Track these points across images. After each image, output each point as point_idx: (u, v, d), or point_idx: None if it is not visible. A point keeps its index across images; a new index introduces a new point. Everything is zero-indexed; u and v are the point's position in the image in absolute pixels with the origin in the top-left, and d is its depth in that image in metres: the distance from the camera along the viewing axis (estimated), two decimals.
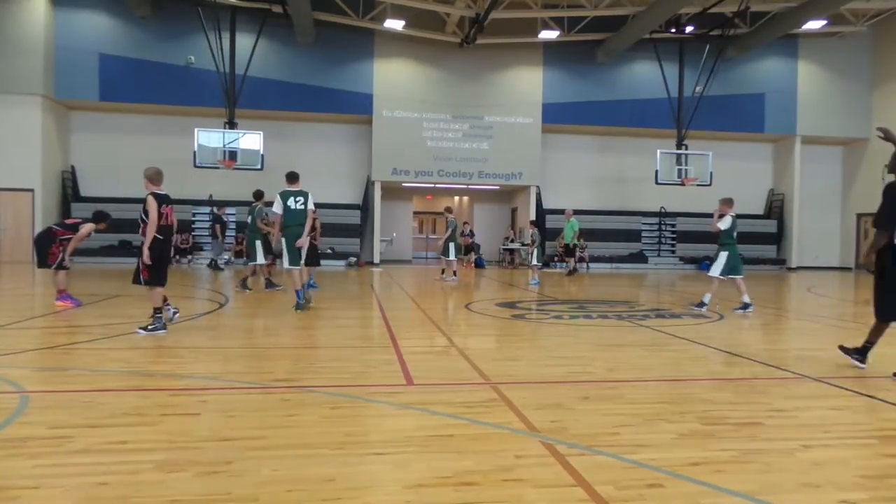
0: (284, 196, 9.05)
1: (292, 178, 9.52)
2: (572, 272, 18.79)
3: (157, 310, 6.76)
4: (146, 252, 6.57)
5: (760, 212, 25.98)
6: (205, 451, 3.17)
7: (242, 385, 4.61)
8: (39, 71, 19.69)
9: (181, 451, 3.17)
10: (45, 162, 20.03)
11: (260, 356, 5.91)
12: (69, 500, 2.58)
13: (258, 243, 11.60)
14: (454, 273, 15.78)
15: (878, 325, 5.48)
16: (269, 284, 11.86)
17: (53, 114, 20.61)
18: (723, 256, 9.75)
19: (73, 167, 21.72)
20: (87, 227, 9.02)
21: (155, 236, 6.60)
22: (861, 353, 5.61)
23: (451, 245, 15.45)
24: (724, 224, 9.72)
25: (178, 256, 20.92)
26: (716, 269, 9.78)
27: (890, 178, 5.20)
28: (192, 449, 3.20)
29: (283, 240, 8.98)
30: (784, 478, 2.98)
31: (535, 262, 15.76)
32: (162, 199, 6.75)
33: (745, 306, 9.60)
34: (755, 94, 24.32)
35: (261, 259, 11.68)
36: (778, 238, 25.33)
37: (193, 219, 22.15)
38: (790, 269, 24.67)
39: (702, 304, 9.86)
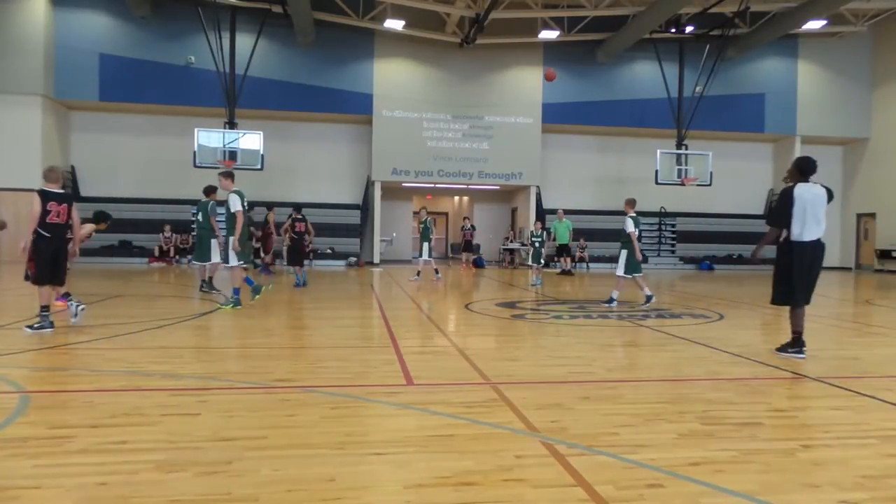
0: (242, 195, 9.12)
1: (231, 175, 9.43)
2: (565, 272, 18.70)
3: (44, 308, 6.65)
4: (28, 248, 6.56)
5: (760, 212, 25.96)
6: (205, 451, 3.17)
7: (242, 385, 4.61)
8: (39, 71, 19.69)
9: (181, 451, 3.17)
10: (45, 161, 19.95)
11: (260, 356, 5.91)
12: (69, 500, 2.58)
13: (214, 242, 11.03)
14: (417, 273, 15.62)
15: (792, 312, 6.12)
16: (208, 286, 11.15)
17: (53, 114, 20.61)
18: (624, 255, 10.18)
19: (72, 167, 21.71)
20: (88, 228, 9.01)
21: (40, 233, 6.54)
22: (795, 345, 6.04)
23: (425, 245, 15.30)
24: (629, 226, 10.13)
25: (177, 256, 20.93)
26: (620, 269, 10.20)
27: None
28: (192, 449, 3.20)
29: (231, 239, 9.02)
30: (784, 478, 2.98)
31: (542, 262, 15.46)
32: (51, 197, 6.63)
33: (648, 298, 10.14)
34: (755, 94, 24.33)
35: (216, 258, 11.00)
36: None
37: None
38: None
39: (611, 300, 10.21)
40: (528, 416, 3.87)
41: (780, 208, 5.93)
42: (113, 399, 4.18)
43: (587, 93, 23.62)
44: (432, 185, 24.39)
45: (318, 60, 21.93)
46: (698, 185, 21.61)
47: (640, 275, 10.25)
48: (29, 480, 2.77)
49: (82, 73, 20.43)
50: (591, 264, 22.71)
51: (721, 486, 2.84)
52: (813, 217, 5.86)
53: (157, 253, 20.38)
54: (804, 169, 5.96)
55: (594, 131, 24.44)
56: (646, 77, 23.54)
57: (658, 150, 21.76)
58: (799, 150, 24.84)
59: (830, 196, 6.00)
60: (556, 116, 23.46)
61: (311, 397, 4.27)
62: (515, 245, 23.89)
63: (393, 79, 22.64)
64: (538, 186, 23.85)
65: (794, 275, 5.91)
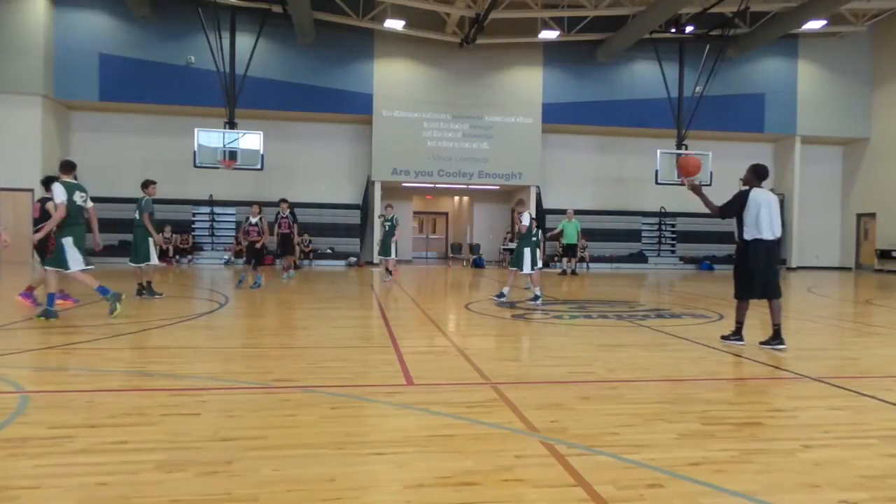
0: (68, 188, 7.66)
1: (69, 167, 8.08)
2: (565, 272, 18.56)
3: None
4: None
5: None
6: (205, 451, 3.17)
7: (242, 385, 4.61)
8: (39, 71, 19.68)
9: (181, 451, 3.17)
10: (45, 162, 20.00)
11: (260, 356, 5.91)
12: (69, 500, 2.58)
13: (151, 241, 10.15)
14: (389, 272, 15.26)
15: (738, 304, 6.70)
16: (149, 290, 10.29)
17: (53, 113, 20.61)
18: (527, 253, 10.45)
19: None
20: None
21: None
22: (737, 334, 6.71)
23: (393, 244, 15.09)
24: (525, 220, 10.45)
25: (177, 256, 20.93)
26: (527, 267, 10.42)
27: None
28: (192, 449, 3.20)
29: (66, 239, 7.62)
30: (784, 478, 2.98)
31: (539, 265, 13.97)
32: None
33: (537, 297, 10.30)
34: (755, 94, 24.32)
35: (154, 259, 10.25)
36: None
37: (193, 219, 22.15)
38: (790, 268, 24.67)
39: (536, 298, 10.33)
40: (528, 416, 3.87)
41: (734, 204, 6.53)
42: (113, 399, 4.18)
43: (587, 93, 23.62)
44: (432, 185, 24.39)
45: (318, 60, 21.93)
46: (701, 184, 21.56)
47: (539, 269, 10.62)
48: (29, 480, 2.77)
49: (82, 72, 20.42)
50: (591, 264, 22.70)
51: (721, 486, 2.84)
52: (768, 219, 6.35)
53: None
54: (761, 174, 6.53)
55: (594, 131, 24.44)
56: (646, 77, 23.53)
57: (658, 150, 21.75)
58: (799, 151, 24.86)
59: (780, 204, 6.58)
60: (557, 116, 23.45)
61: (311, 397, 4.27)
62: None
63: (393, 79, 22.64)
64: (538, 186, 23.85)
65: (753, 272, 6.40)
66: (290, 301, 10.85)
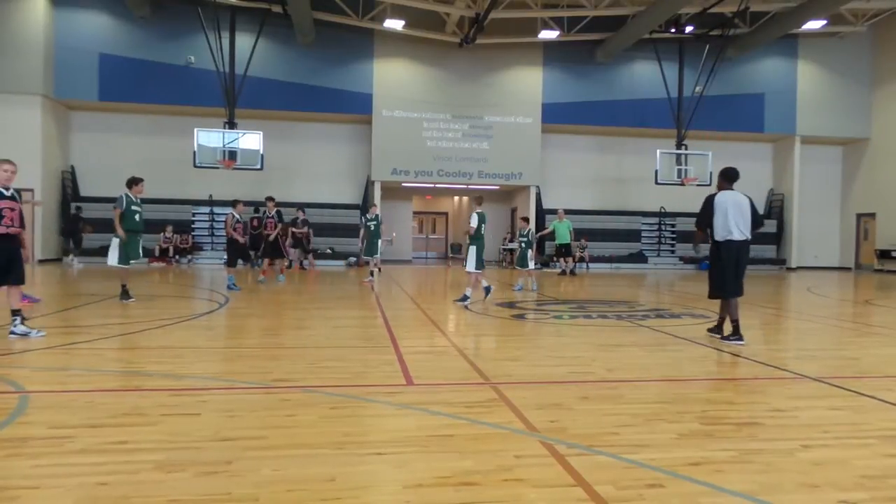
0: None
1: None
2: (564, 273, 18.55)
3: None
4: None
5: (760, 212, 25.96)
6: (205, 451, 3.17)
7: (242, 385, 4.61)
8: (39, 71, 19.69)
9: (181, 451, 3.17)
10: (45, 161, 20.02)
11: (260, 356, 5.91)
12: (69, 499, 2.59)
13: (117, 242, 9.61)
14: (371, 273, 14.93)
15: (726, 303, 6.92)
16: (124, 294, 9.66)
17: (53, 113, 20.61)
18: (473, 251, 10.35)
19: (72, 167, 21.71)
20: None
21: None
22: (718, 329, 7.05)
23: (379, 242, 14.79)
24: (473, 222, 10.30)
25: (177, 256, 20.93)
26: (471, 265, 10.37)
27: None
28: (192, 449, 3.20)
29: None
30: (784, 478, 2.99)
31: (531, 265, 13.74)
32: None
33: (465, 298, 10.12)
34: (755, 94, 24.34)
35: (112, 261, 9.65)
36: (777, 238, 25.35)
37: (193, 219, 22.15)
38: (790, 268, 24.68)
39: (465, 298, 10.13)
40: (527, 415, 3.87)
41: (702, 213, 6.83)
42: (113, 399, 4.18)
43: (587, 93, 23.63)
44: (432, 185, 24.39)
45: (318, 60, 21.93)
46: (698, 185, 21.60)
47: (481, 270, 10.50)
48: (29, 480, 2.77)
49: (82, 72, 20.43)
50: (591, 264, 22.70)
51: (721, 486, 2.84)
52: (735, 220, 6.60)
53: (157, 253, 20.38)
54: (729, 176, 6.88)
55: (594, 131, 24.45)
56: (645, 77, 23.54)
57: (658, 150, 21.76)
58: (799, 150, 24.86)
59: (752, 205, 6.84)
60: (556, 116, 23.46)
61: (311, 397, 4.28)
62: (514, 245, 23.87)
63: (393, 78, 22.65)
64: (538, 186, 23.85)
65: (724, 271, 6.67)
66: (290, 301, 10.85)
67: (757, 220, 6.80)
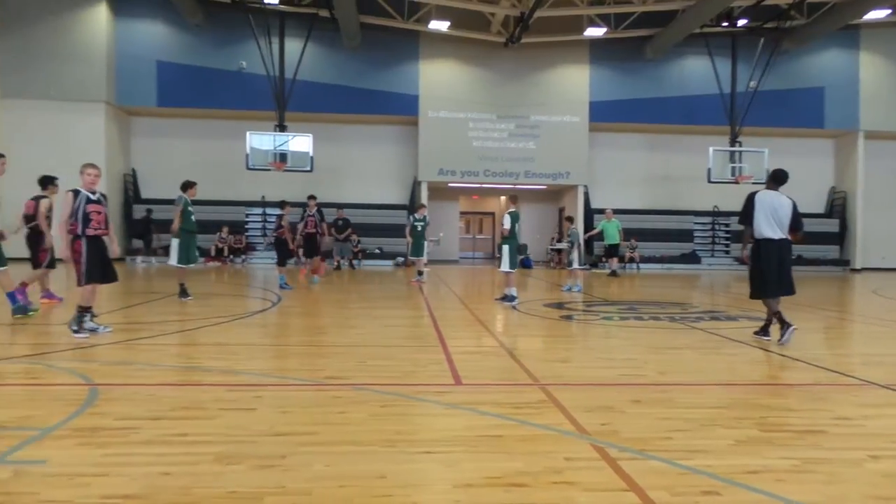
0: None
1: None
2: (615, 273, 18.23)
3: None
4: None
5: (821, 210, 24.95)
6: (260, 445, 3.26)
7: (295, 382, 4.72)
8: (102, 79, 20.62)
9: (238, 444, 3.26)
10: (109, 165, 20.91)
11: (311, 354, 6.03)
12: (135, 487, 2.70)
13: (176, 242, 10.01)
14: (420, 273, 15.00)
15: (766, 304, 6.92)
16: (182, 293, 9.92)
17: (115, 119, 21.54)
18: (507, 251, 10.17)
19: (133, 170, 22.64)
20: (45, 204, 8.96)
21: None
22: (764, 331, 7.00)
23: (424, 243, 14.80)
24: (507, 222, 10.10)
25: (231, 256, 21.56)
26: (506, 265, 10.17)
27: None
28: (248, 443, 3.29)
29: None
30: (850, 489, 2.86)
31: (576, 265, 13.95)
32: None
33: (511, 298, 9.99)
34: (814, 87, 23.38)
35: (173, 260, 10.02)
36: (840, 238, 24.27)
37: (246, 220, 22.77)
38: (854, 270, 23.59)
39: (507, 298, 10.04)
40: (577, 418, 3.83)
41: (743, 210, 6.85)
42: (174, 393, 4.34)
43: (635, 90, 23.17)
44: (478, 185, 24.38)
45: (365, 63, 22.22)
46: (753, 182, 20.86)
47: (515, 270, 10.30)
48: (98, 468, 2.91)
49: (141, 79, 21.29)
50: (641, 265, 22.25)
51: (781, 496, 2.74)
52: (776, 219, 6.60)
53: (213, 253, 21.03)
54: (778, 178, 6.85)
55: (643, 129, 23.96)
56: (697, 73, 22.93)
57: (710, 148, 21.15)
58: (863, 146, 23.74)
59: (795, 207, 6.75)
60: (604, 115, 23.10)
61: (361, 395, 4.34)
62: (563, 245, 23.63)
63: (438, 80, 22.74)
64: (586, 186, 23.53)
65: (765, 270, 6.66)
66: (340, 300, 11.03)
67: (797, 224, 6.74)
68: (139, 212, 21.64)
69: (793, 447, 3.40)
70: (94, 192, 6.51)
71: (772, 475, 2.98)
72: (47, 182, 9.26)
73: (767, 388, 4.83)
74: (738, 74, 21.93)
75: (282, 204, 13.13)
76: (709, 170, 21.00)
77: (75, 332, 6.32)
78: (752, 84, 21.26)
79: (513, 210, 10.17)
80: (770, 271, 6.65)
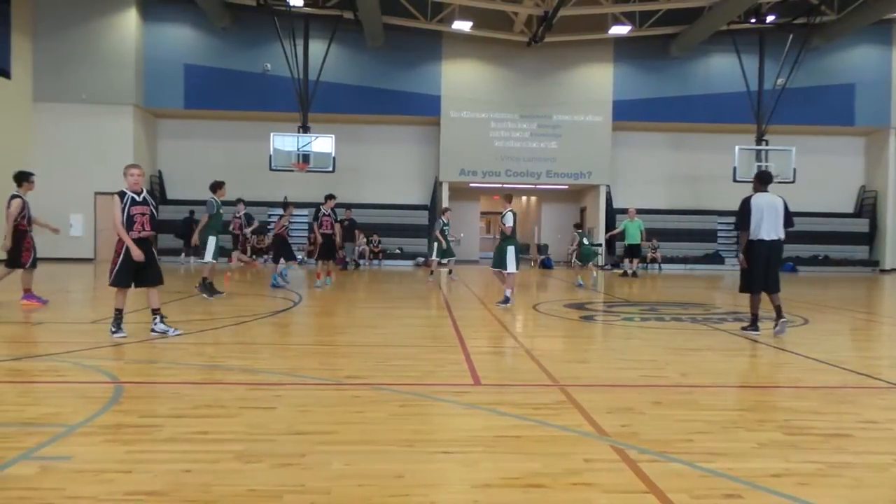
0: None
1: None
2: (626, 274, 17.81)
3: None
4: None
5: (850, 210, 24.39)
6: (280, 444, 3.29)
7: (315, 381, 4.76)
8: (131, 82, 21.05)
9: (258, 442, 3.30)
10: None
11: (331, 353, 6.08)
12: (158, 484, 2.75)
13: (213, 240, 10.17)
14: (451, 271, 15.63)
15: (751, 298, 7.36)
16: (205, 288, 10.09)
17: (143, 121, 21.97)
18: (512, 252, 9.92)
19: (160, 171, 23.05)
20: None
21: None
22: (753, 325, 7.31)
23: (436, 245, 15.11)
24: (509, 220, 9.97)
25: (254, 256, 21.80)
26: (512, 266, 9.87)
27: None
28: (268, 441, 3.33)
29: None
30: (877, 494, 2.80)
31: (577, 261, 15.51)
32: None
33: (506, 300, 9.71)
34: (844, 84, 22.88)
35: (209, 258, 10.16)
36: (870, 238, 23.70)
37: (269, 220, 23.00)
38: (884, 271, 23.02)
39: (505, 300, 9.76)
40: (597, 419, 3.80)
41: (740, 214, 7.20)
42: (196, 391, 4.41)
43: (660, 88, 22.91)
44: (500, 186, 24.31)
45: (387, 64, 22.33)
46: (780, 182, 20.47)
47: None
48: (122, 465, 2.97)
49: (169, 82, 21.68)
50: (663, 265, 21.99)
51: (806, 500, 2.69)
52: (769, 220, 6.96)
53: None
54: (764, 179, 7.25)
55: (667, 128, 23.67)
56: (723, 70, 22.60)
57: (736, 147, 20.84)
58: (894, 144, 23.15)
59: (786, 206, 7.11)
60: (628, 114, 22.89)
61: (380, 394, 4.36)
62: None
63: (461, 80, 22.75)
64: (608, 185, 23.33)
65: (754, 268, 7.08)
66: (360, 300, 11.10)
67: (789, 221, 7.10)
68: (165, 213, 21.97)
69: (817, 451, 3.34)
70: (138, 193, 6.44)
71: (795, 479, 2.92)
72: (22, 179, 8.98)
73: (791, 390, 4.73)
74: (766, 72, 21.55)
75: (285, 205, 13.24)
76: (734, 169, 20.68)
77: (112, 332, 6.29)
78: (780, 81, 20.87)
79: (511, 209, 10.15)
80: (758, 269, 7.09)
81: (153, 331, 6.50)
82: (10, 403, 3.97)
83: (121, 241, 6.34)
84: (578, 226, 15.87)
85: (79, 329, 7.35)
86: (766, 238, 7.02)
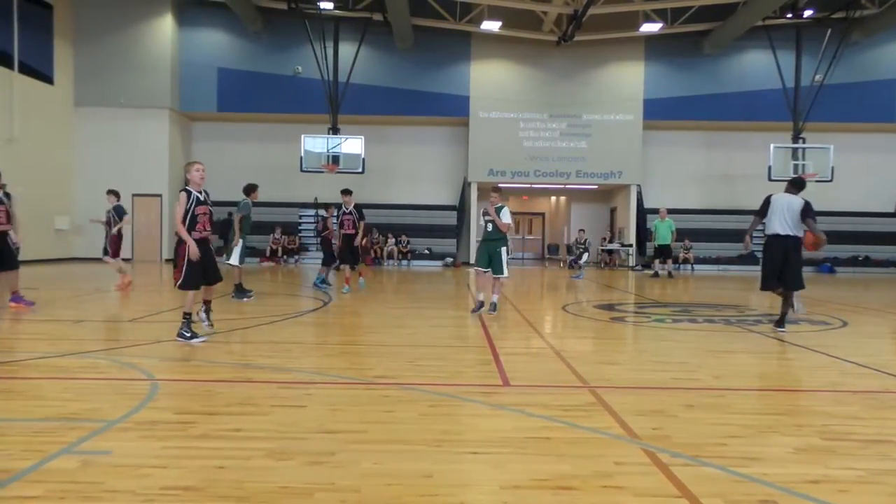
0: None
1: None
2: (657, 275, 17.54)
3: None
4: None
5: (892, 209, 23.62)
6: (311, 442, 3.33)
7: (345, 380, 4.80)
8: (167, 86, 21.55)
9: (289, 440, 3.35)
10: (172, 169, 21.81)
11: (361, 353, 6.13)
12: (192, 480, 2.81)
13: (240, 242, 10.36)
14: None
15: (782, 295, 7.53)
16: (238, 292, 10.11)
17: (178, 125, 22.47)
18: (504, 253, 8.62)
19: None
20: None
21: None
22: (780, 323, 7.52)
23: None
24: (507, 217, 8.63)
25: (285, 256, 22.11)
26: (506, 270, 8.60)
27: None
28: (299, 439, 3.37)
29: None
30: None
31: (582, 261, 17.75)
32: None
33: (493, 306, 8.59)
34: (885, 80, 22.17)
35: (234, 260, 10.26)
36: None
37: (300, 221, 23.32)
38: None
39: (492, 306, 8.62)
40: (628, 421, 3.76)
41: (760, 208, 7.59)
42: (229, 389, 4.49)
43: (692, 86, 22.52)
44: (529, 186, 24.21)
45: (416, 65, 22.41)
46: (818, 180, 19.95)
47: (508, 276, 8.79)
48: (158, 460, 3.04)
49: (203, 86, 22.14)
50: (696, 266, 21.60)
51: None
52: (783, 218, 7.24)
53: (267, 253, 21.63)
54: (797, 185, 7.57)
55: (700, 126, 23.25)
56: (758, 67, 22.10)
57: (772, 145, 20.37)
58: None
59: (807, 204, 7.31)
60: (659, 112, 22.55)
61: (410, 394, 4.38)
62: (615, 246, 23.20)
63: (489, 80, 22.71)
64: (639, 185, 23.03)
65: (770, 264, 7.37)
66: (389, 300, 11.16)
67: (807, 213, 7.24)
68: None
69: (858, 457, 3.24)
70: (201, 193, 6.33)
71: (834, 486, 2.85)
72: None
73: (830, 394, 4.61)
74: (803, 68, 21.02)
75: (326, 206, 13.19)
76: (769, 167, 20.22)
77: (188, 338, 6.10)
78: (818, 77, 20.33)
79: (504, 203, 8.90)
80: (773, 266, 7.30)
81: (203, 321, 6.60)
82: (54, 399, 4.10)
83: (182, 244, 6.16)
84: (583, 230, 18.27)
85: (118, 327, 7.55)
86: (781, 233, 7.22)
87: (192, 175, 6.29)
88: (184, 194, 6.24)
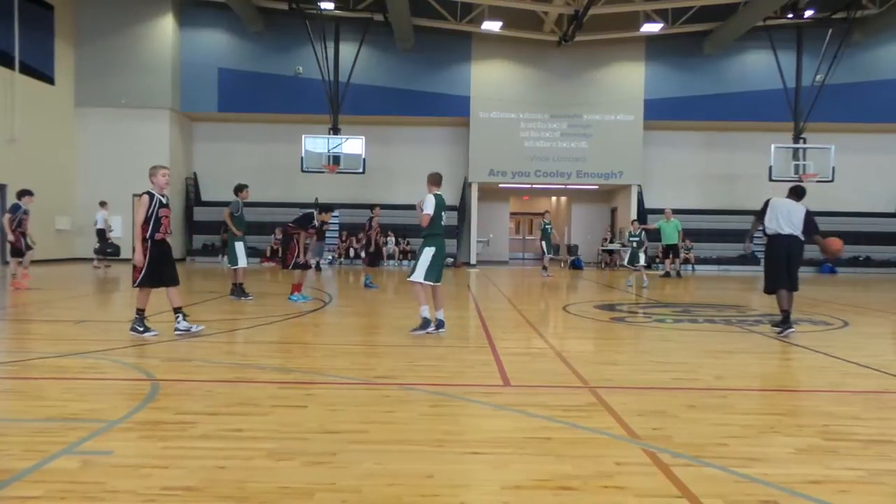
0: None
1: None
2: (668, 274, 17.66)
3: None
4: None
5: (893, 210, 23.61)
6: (311, 442, 3.33)
7: (345, 380, 4.80)
8: (168, 86, 21.56)
9: (290, 441, 3.35)
10: (173, 169, 21.66)
11: (361, 353, 6.13)
12: (193, 480, 2.81)
13: (239, 244, 10.33)
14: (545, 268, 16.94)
15: (777, 295, 7.46)
16: (238, 291, 10.20)
17: (179, 125, 22.47)
18: (428, 253, 7.11)
19: (195, 173, 23.54)
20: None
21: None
22: (784, 324, 7.29)
23: (543, 244, 16.16)
24: (429, 207, 7.05)
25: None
26: (418, 272, 7.08)
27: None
28: (299, 439, 3.37)
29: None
30: None
31: (642, 262, 15.35)
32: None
33: (426, 323, 7.04)
34: (886, 80, 22.17)
35: (241, 262, 10.27)
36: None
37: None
38: None
39: (423, 324, 7.06)
40: (628, 422, 3.75)
41: (760, 210, 7.67)
42: (229, 389, 4.49)
43: (693, 87, 22.53)
44: (529, 186, 24.20)
45: (417, 65, 22.41)
46: (818, 181, 19.97)
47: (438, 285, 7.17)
48: (159, 460, 3.04)
49: (203, 86, 22.15)
50: (697, 266, 21.60)
51: None
52: (783, 220, 7.29)
53: (268, 253, 21.62)
54: (797, 193, 7.58)
55: (701, 126, 23.25)
56: (758, 67, 22.10)
57: (772, 145, 20.37)
58: None
59: (808, 214, 7.35)
60: (660, 112, 22.55)
61: (410, 394, 4.37)
62: (615, 246, 23.20)
63: (490, 80, 22.71)
64: (640, 185, 23.02)
65: (775, 265, 7.38)
66: (390, 300, 11.16)
67: (812, 227, 7.33)
68: (199, 214, 22.48)
69: (859, 457, 3.24)
70: (164, 196, 6.57)
71: (835, 486, 2.84)
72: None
73: (831, 395, 4.60)
74: (804, 68, 21.02)
75: (372, 206, 13.40)
76: (770, 167, 20.22)
77: (140, 332, 6.41)
78: (819, 78, 20.33)
79: (438, 192, 7.22)
80: (779, 265, 7.31)
81: (177, 329, 6.64)
82: (55, 399, 4.10)
83: (145, 243, 6.38)
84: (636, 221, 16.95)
85: (118, 328, 7.55)
86: (784, 232, 7.26)
87: (157, 179, 6.54)
88: (146, 197, 6.46)
